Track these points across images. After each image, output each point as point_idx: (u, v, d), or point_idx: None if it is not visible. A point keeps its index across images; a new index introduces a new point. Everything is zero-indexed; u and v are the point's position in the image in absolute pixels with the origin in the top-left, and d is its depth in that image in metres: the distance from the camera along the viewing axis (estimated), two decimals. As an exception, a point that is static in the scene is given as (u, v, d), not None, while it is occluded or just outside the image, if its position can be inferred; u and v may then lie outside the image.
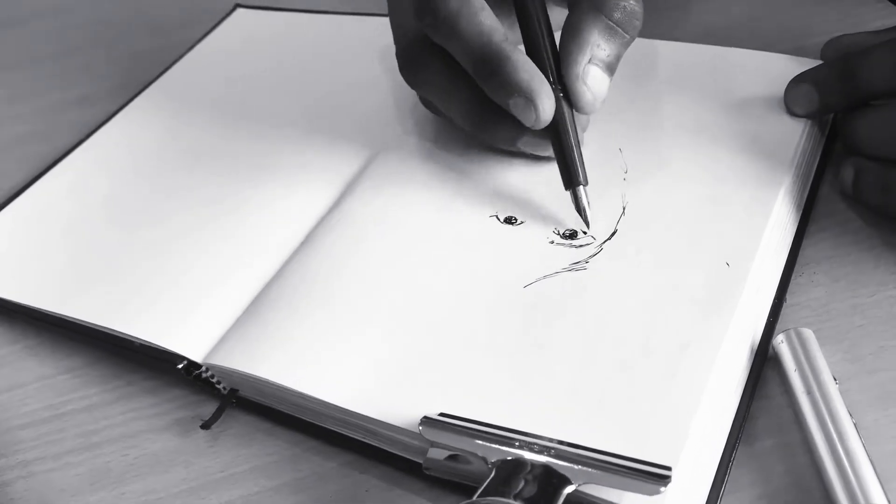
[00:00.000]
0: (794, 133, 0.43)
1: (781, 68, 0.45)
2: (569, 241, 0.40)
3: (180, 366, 0.40)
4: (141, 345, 0.41)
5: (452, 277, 0.40)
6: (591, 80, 0.41)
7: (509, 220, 0.42)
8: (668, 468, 0.30)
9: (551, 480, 0.31)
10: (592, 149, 0.44)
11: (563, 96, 0.41)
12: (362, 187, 0.46)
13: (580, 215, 0.40)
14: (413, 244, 0.42)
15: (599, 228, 0.40)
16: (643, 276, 0.38)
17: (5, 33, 0.73)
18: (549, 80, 0.40)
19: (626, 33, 0.41)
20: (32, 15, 0.74)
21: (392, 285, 0.40)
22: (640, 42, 0.49)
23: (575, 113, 0.42)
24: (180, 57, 0.62)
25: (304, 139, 0.51)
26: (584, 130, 0.43)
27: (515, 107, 0.40)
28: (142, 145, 0.55)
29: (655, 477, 0.30)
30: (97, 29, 0.71)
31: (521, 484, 0.31)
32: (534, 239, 0.41)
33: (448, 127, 0.47)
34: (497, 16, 0.41)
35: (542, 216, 0.42)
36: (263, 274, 0.43)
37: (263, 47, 0.62)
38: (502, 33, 0.41)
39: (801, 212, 0.42)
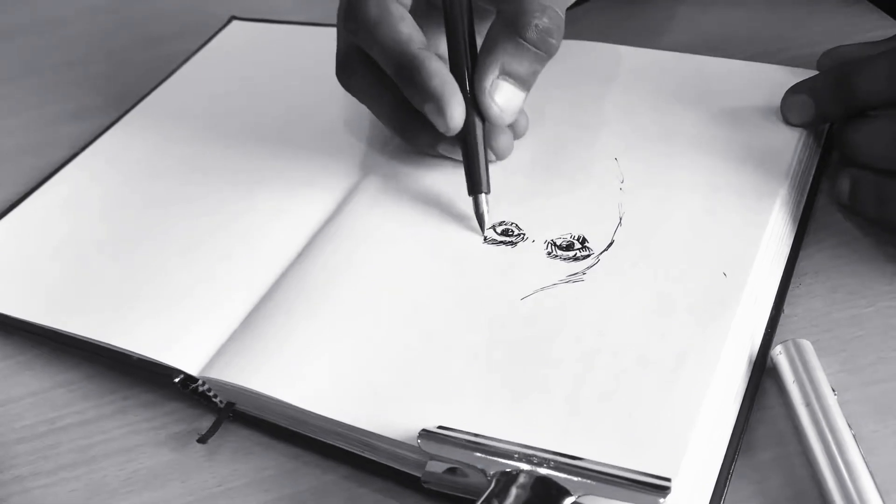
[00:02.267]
0: (789, 144, 0.43)
1: (777, 79, 0.45)
2: (566, 253, 0.40)
3: (177, 379, 0.40)
4: (137, 359, 0.41)
5: (449, 290, 0.40)
6: (500, 94, 0.42)
7: (506, 233, 0.42)
8: (668, 479, 0.30)
9: (550, 492, 0.31)
10: (588, 159, 0.44)
11: (475, 108, 0.42)
12: (358, 201, 0.46)
13: (478, 221, 0.42)
14: (410, 257, 0.42)
15: (596, 240, 0.40)
16: (640, 286, 0.38)
17: (-1, 46, 0.73)
18: (465, 90, 0.42)
19: (541, 50, 0.42)
20: (26, 27, 0.74)
21: (389, 298, 0.40)
22: (635, 52, 0.50)
23: (489, 123, 0.43)
24: (175, 69, 0.62)
25: (300, 152, 0.51)
26: (518, 138, 0.46)
27: (429, 112, 0.42)
28: (137, 158, 0.55)
29: (655, 488, 0.30)
30: (92, 42, 0.71)
31: (521, 496, 0.31)
32: (531, 251, 0.41)
33: None
34: (426, 26, 0.44)
35: (539, 227, 0.42)
36: (259, 287, 0.43)
37: (259, 60, 0.62)
38: (420, 41, 0.42)
39: (797, 222, 0.42)
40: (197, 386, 0.40)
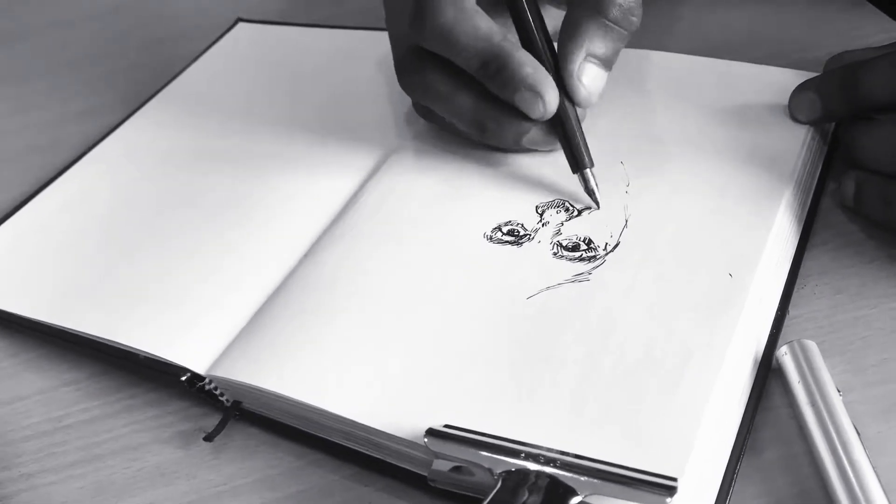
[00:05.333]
0: (794, 145, 0.43)
1: (782, 81, 0.45)
2: (572, 254, 0.40)
3: (183, 378, 0.40)
4: (144, 357, 0.41)
5: (455, 289, 0.40)
6: (587, 76, 0.43)
7: (512, 233, 0.42)
8: (675, 479, 0.30)
9: (557, 491, 0.31)
10: (594, 162, 0.44)
11: (562, 90, 0.43)
12: (365, 199, 0.46)
13: (590, 196, 0.42)
14: (416, 256, 0.42)
15: (602, 241, 0.40)
16: (646, 287, 0.38)
17: (7, 47, 0.73)
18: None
19: (624, 29, 0.42)
20: (34, 29, 0.75)
21: (396, 297, 0.40)
22: (641, 54, 0.50)
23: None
24: (182, 70, 0.62)
25: (306, 152, 0.51)
26: (582, 121, 0.45)
27: (522, 101, 0.42)
28: (143, 158, 0.55)
29: (662, 488, 0.30)
30: (99, 43, 0.71)
31: (527, 495, 0.31)
32: (536, 251, 0.41)
33: (448, 136, 0.48)
34: (492, 18, 0.43)
35: (545, 228, 0.42)
36: (266, 286, 0.43)
37: (265, 60, 0.62)
38: (501, 33, 0.42)
39: (802, 224, 0.42)
40: (203, 384, 0.40)
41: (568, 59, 0.42)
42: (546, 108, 0.42)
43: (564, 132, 0.43)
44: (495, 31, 0.42)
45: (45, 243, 0.50)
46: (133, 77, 0.65)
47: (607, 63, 0.43)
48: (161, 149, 0.55)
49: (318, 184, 0.48)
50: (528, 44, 0.44)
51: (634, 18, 0.42)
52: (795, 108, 0.44)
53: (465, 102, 0.44)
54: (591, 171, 0.43)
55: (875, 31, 0.53)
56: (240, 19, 0.67)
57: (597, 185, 0.42)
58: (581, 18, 0.42)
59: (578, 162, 0.43)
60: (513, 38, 0.43)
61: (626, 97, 0.48)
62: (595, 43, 0.42)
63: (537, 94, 0.41)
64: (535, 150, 0.45)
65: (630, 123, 0.47)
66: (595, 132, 0.46)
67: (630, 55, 0.50)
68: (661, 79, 0.49)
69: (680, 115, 0.46)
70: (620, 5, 0.42)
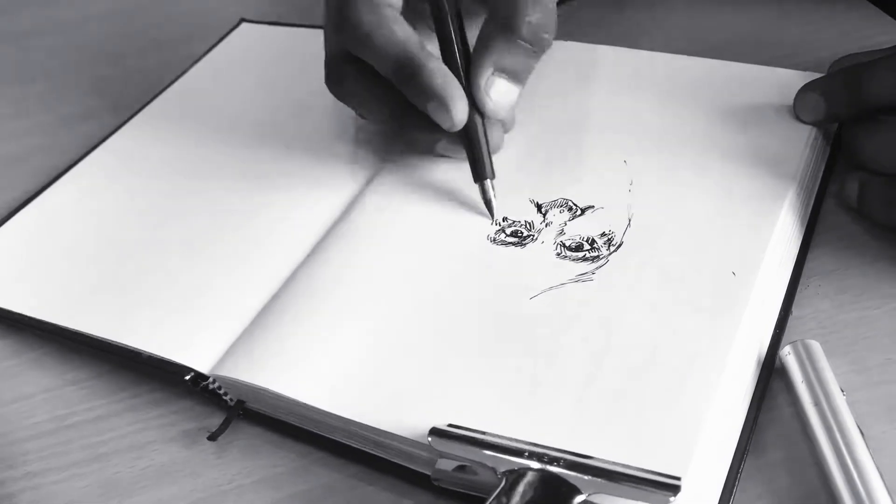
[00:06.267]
0: (797, 146, 0.43)
1: (785, 82, 0.46)
2: (575, 254, 0.40)
3: (187, 377, 0.40)
4: (148, 357, 0.41)
5: (458, 289, 0.40)
6: (495, 90, 0.43)
7: (515, 233, 0.42)
8: (678, 478, 0.30)
9: (560, 490, 0.31)
10: (597, 162, 0.44)
11: (472, 102, 0.43)
12: (367, 201, 0.46)
13: (486, 207, 0.43)
14: (420, 256, 0.42)
15: (605, 240, 0.40)
16: (649, 286, 0.38)
17: (9, 48, 0.73)
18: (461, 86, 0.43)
19: (534, 46, 0.43)
20: (36, 30, 0.75)
21: (399, 297, 0.40)
22: (644, 55, 0.50)
23: (488, 118, 0.44)
24: (185, 71, 0.62)
25: (310, 153, 0.51)
26: (506, 132, 0.47)
27: (432, 110, 0.43)
28: (146, 158, 0.55)
29: (666, 487, 0.30)
30: (101, 45, 0.71)
31: (531, 494, 0.31)
32: (539, 251, 0.41)
33: None
34: (416, 28, 0.44)
35: (548, 228, 0.42)
36: (270, 286, 0.43)
37: (268, 62, 0.62)
38: (417, 42, 0.43)
39: (805, 224, 0.42)
40: (207, 384, 0.40)
41: (476, 73, 0.43)
42: (454, 120, 0.42)
43: (469, 142, 0.44)
44: (412, 40, 0.43)
45: (49, 242, 0.50)
46: (135, 78, 0.65)
47: (517, 77, 0.43)
48: (164, 150, 0.55)
49: (322, 185, 0.48)
50: (446, 55, 0.44)
51: (546, 36, 0.43)
52: (800, 108, 0.44)
53: (383, 108, 0.46)
54: (490, 183, 0.43)
55: (877, 31, 0.53)
56: (243, 20, 0.67)
57: (495, 196, 0.43)
58: (491, 33, 0.43)
59: (479, 172, 0.43)
60: (433, 48, 0.44)
61: (630, 98, 0.48)
62: (504, 58, 0.43)
63: (445, 105, 0.42)
64: (450, 157, 0.46)
65: (634, 123, 0.47)
66: (599, 131, 0.46)
67: (634, 57, 0.51)
68: (664, 80, 0.49)
69: (683, 116, 0.46)
70: (530, 23, 0.42)
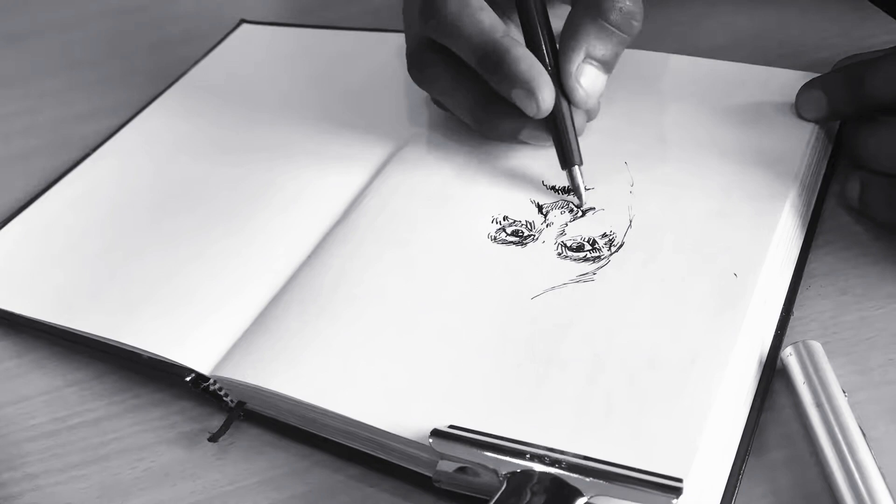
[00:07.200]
0: (798, 146, 0.43)
1: (786, 82, 0.46)
2: (576, 254, 0.40)
3: (188, 378, 0.40)
4: (148, 358, 0.41)
5: (461, 289, 0.40)
6: (585, 78, 0.43)
7: (516, 233, 0.42)
8: (680, 479, 0.30)
9: (562, 492, 0.31)
10: (598, 162, 0.44)
11: (560, 90, 0.43)
12: (369, 200, 0.46)
13: (575, 193, 0.43)
14: (420, 256, 0.42)
15: (607, 241, 0.40)
16: (651, 287, 0.38)
17: (10, 49, 0.73)
18: (549, 73, 0.43)
19: (623, 33, 0.43)
20: (37, 31, 0.75)
21: (400, 297, 0.40)
22: (646, 55, 0.50)
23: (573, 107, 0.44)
24: (185, 72, 0.62)
25: (310, 153, 0.51)
26: (589, 120, 0.46)
27: (518, 97, 0.42)
28: (147, 159, 0.55)
29: (667, 489, 0.30)
30: (103, 45, 0.71)
31: (532, 496, 0.31)
32: (540, 251, 0.41)
33: (452, 134, 0.48)
34: (500, 15, 0.44)
35: (550, 227, 0.42)
36: (271, 286, 0.43)
37: (268, 62, 0.62)
38: (503, 29, 0.43)
39: (806, 225, 0.42)
40: (208, 385, 0.40)
41: (567, 59, 0.43)
42: (540, 107, 0.42)
43: (556, 129, 0.44)
44: (498, 27, 0.43)
45: (50, 243, 0.50)
46: (136, 79, 0.65)
47: (607, 65, 0.43)
48: (164, 151, 0.55)
49: (321, 186, 0.48)
50: (531, 42, 0.44)
51: (635, 23, 0.43)
52: (802, 105, 0.44)
53: (467, 95, 0.45)
54: (579, 169, 0.43)
55: (878, 31, 0.53)
56: (243, 20, 0.67)
57: (583, 183, 0.43)
58: (581, 20, 0.43)
59: (567, 159, 0.43)
60: (517, 35, 0.44)
61: (631, 98, 0.48)
62: (594, 45, 0.42)
63: (532, 91, 0.42)
64: (533, 145, 0.46)
65: (635, 124, 0.47)
66: (600, 132, 0.46)
67: (636, 57, 0.50)
68: (666, 80, 0.49)
69: (684, 116, 0.46)
70: (621, 9, 0.42)
